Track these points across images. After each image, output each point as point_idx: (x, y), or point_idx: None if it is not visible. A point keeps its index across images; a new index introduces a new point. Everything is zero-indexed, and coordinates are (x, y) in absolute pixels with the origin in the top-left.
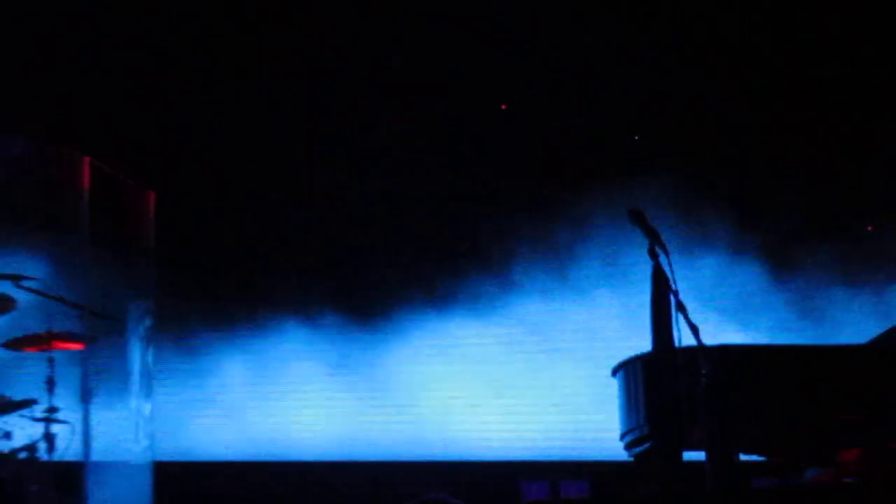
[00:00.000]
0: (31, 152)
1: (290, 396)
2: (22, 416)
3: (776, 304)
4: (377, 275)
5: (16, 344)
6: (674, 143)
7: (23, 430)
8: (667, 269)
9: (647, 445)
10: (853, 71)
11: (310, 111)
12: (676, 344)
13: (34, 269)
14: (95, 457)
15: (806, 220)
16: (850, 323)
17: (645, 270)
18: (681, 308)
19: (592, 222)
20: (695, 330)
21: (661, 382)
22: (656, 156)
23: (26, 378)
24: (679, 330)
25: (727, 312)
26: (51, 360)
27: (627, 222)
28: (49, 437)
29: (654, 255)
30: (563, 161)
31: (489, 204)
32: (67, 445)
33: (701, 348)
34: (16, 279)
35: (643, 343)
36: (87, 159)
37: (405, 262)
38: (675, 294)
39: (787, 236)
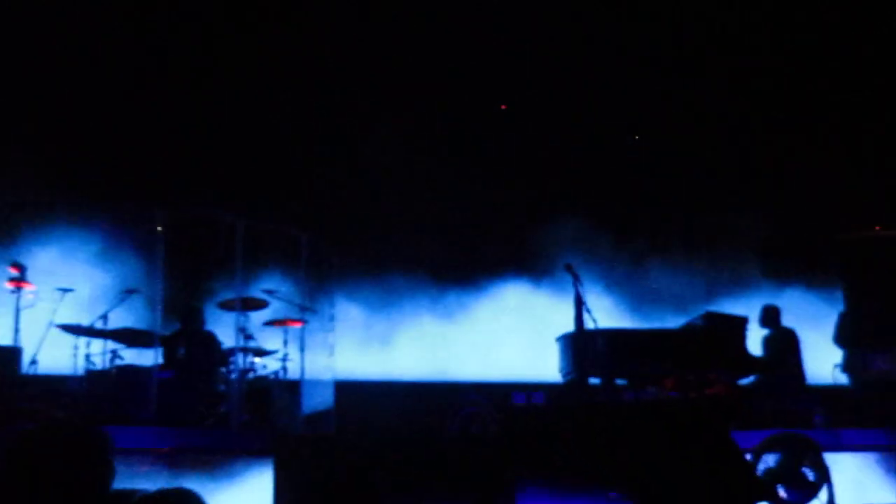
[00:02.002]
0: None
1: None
2: (271, 358)
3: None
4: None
5: (272, 323)
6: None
7: (270, 365)
8: (581, 290)
9: (572, 376)
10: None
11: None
12: (585, 327)
13: (277, 285)
14: (308, 377)
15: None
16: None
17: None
18: (587, 311)
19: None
20: (594, 321)
21: (578, 346)
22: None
23: (273, 339)
24: (586, 321)
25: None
26: (285, 331)
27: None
28: (284, 368)
29: (576, 283)
30: None
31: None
32: (291, 372)
33: (596, 330)
34: (270, 292)
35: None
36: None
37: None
38: (585, 303)
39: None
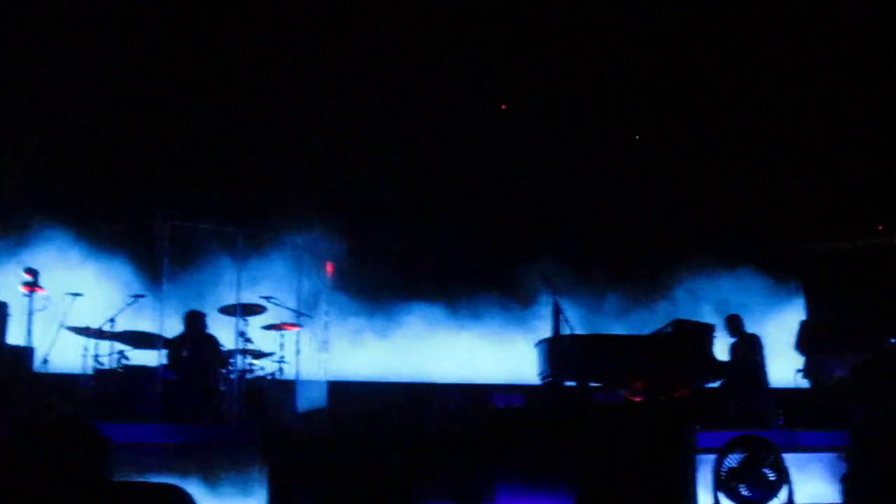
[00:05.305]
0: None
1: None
2: (268, 359)
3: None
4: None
5: (270, 327)
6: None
7: (268, 366)
8: (557, 298)
9: (549, 378)
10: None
11: None
12: (560, 333)
13: (274, 291)
14: (302, 377)
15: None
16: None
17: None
18: (564, 319)
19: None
20: (571, 328)
21: (554, 350)
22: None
23: (270, 342)
24: (563, 328)
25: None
26: (282, 334)
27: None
28: (280, 370)
29: (552, 292)
30: None
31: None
32: (287, 372)
33: (571, 336)
34: (268, 298)
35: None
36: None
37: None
38: (562, 312)
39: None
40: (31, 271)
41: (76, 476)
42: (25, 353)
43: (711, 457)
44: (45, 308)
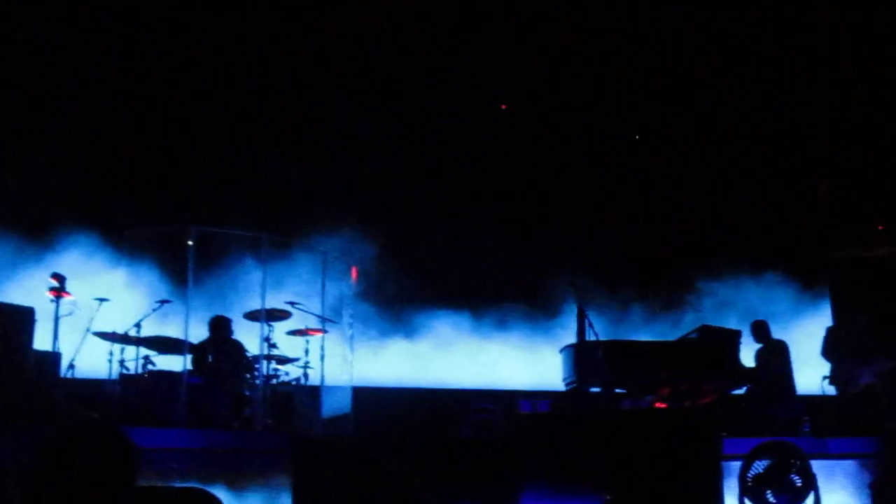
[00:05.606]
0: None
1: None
2: (293, 365)
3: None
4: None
5: (295, 333)
6: None
7: (292, 372)
8: (583, 304)
9: (573, 385)
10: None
11: None
12: (586, 339)
13: (301, 297)
14: (326, 383)
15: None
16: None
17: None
18: (590, 324)
19: None
20: (596, 334)
21: (579, 356)
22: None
23: (295, 347)
24: (588, 334)
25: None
26: (307, 340)
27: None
28: (305, 375)
29: (578, 298)
30: None
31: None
32: (311, 378)
33: (596, 342)
34: (292, 304)
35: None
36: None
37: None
38: (587, 317)
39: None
40: (58, 277)
41: (106, 483)
42: (52, 358)
43: (737, 463)
44: (71, 313)
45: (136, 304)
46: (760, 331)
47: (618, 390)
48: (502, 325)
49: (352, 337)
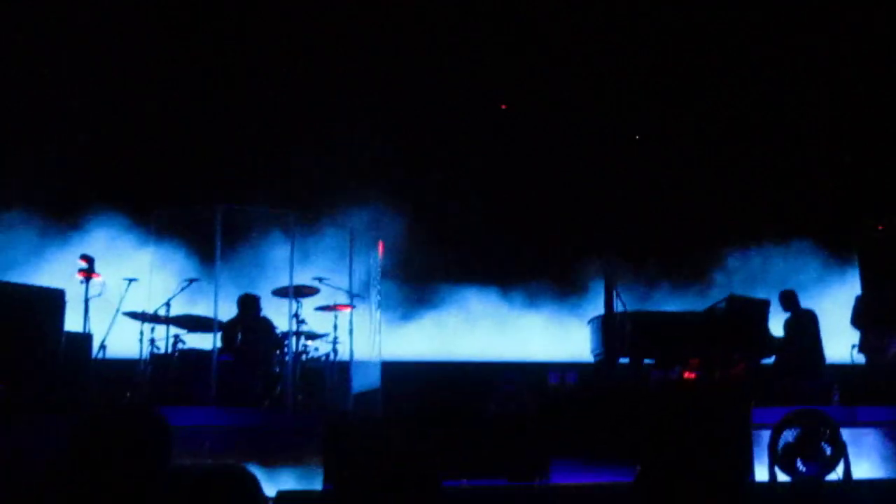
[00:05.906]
0: None
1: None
2: (322, 341)
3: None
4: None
5: (323, 308)
6: None
7: (322, 348)
8: (612, 276)
9: (602, 356)
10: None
11: None
12: (614, 310)
13: (327, 273)
14: (356, 358)
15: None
16: None
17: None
18: (618, 296)
19: None
20: (624, 305)
21: (608, 328)
22: None
23: (324, 323)
24: (616, 306)
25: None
26: (335, 315)
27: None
28: (334, 351)
29: (607, 270)
30: None
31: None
32: (341, 354)
33: (625, 313)
34: (320, 280)
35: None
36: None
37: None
38: (616, 289)
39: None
40: (87, 258)
41: (142, 464)
42: (83, 339)
43: (767, 433)
44: (100, 294)
45: (165, 283)
46: (789, 300)
47: (646, 361)
48: (531, 301)
49: (379, 311)
